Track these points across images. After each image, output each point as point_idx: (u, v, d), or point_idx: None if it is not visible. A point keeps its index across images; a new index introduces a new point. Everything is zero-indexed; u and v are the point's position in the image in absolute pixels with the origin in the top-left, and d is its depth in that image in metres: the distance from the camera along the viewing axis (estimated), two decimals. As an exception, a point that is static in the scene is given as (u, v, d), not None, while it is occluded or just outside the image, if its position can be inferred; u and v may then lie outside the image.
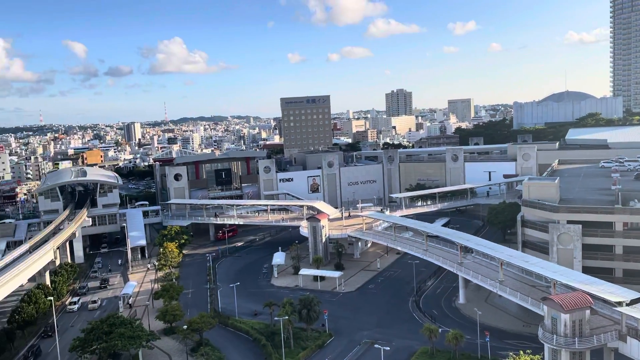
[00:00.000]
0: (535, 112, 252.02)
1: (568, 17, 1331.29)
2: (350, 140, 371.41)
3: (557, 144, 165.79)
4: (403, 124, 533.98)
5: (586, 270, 76.38)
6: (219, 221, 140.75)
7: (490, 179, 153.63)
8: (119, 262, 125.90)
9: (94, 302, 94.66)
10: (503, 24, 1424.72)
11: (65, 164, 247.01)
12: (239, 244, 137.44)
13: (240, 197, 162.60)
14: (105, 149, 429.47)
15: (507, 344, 69.09)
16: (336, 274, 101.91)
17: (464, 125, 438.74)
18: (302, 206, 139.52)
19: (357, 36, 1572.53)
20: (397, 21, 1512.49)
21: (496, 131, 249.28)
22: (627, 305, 57.28)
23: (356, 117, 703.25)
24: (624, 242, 79.58)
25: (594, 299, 59.56)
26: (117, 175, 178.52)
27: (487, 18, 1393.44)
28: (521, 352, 58.53)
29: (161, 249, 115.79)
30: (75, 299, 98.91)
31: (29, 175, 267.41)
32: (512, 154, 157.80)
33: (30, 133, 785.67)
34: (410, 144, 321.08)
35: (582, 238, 79.88)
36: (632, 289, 62.93)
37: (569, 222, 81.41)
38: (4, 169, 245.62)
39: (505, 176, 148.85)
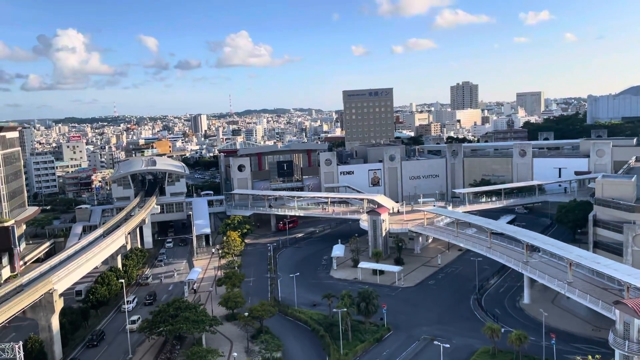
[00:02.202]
0: (612, 106, 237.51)
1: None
2: (412, 134, 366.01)
3: (635, 140, 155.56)
4: (468, 118, 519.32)
5: (665, 274, 71.52)
6: (280, 212, 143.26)
7: (560, 176, 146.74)
8: (185, 243, 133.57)
9: (133, 322, 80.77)
10: (579, 14, 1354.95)
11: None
12: (299, 235, 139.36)
13: (301, 189, 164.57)
14: (173, 139, 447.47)
15: (574, 348, 66.17)
16: (396, 268, 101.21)
17: (533, 119, 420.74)
18: (362, 199, 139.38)
19: (422, 28, 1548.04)
20: (465, 11, 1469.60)
21: (568, 126, 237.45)
22: None
23: (419, 110, 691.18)
24: None
25: (673, 305, 55.76)
26: (184, 165, 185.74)
27: (562, 7, 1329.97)
28: (589, 357, 55.84)
29: (225, 238, 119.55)
30: (131, 297, 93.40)
31: (104, 164, 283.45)
32: (584, 150, 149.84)
33: (105, 124, 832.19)
34: (476, 139, 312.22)
35: (661, 240, 74.99)
36: None
37: (646, 223, 76.63)
38: (81, 157, 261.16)
39: (577, 173, 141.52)
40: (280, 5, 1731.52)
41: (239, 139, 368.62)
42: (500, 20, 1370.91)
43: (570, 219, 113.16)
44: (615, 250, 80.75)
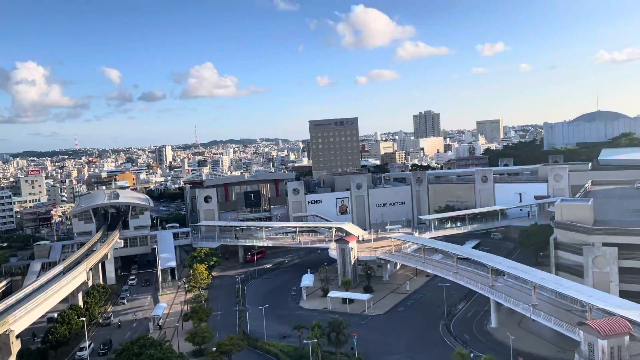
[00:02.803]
0: (567, 133, 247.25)
1: (598, 37, 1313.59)
2: (378, 162, 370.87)
3: (590, 164, 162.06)
4: (431, 146, 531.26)
5: (623, 294, 74.07)
6: (248, 243, 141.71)
7: (521, 201, 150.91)
8: (150, 281, 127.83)
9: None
10: (532, 45, 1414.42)
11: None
12: (268, 266, 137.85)
13: (269, 219, 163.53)
14: (137, 171, 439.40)
15: (542, 371, 66.93)
16: (365, 296, 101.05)
17: (493, 146, 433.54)
18: (330, 228, 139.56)
19: (385, 59, 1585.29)
20: (425, 43, 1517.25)
21: (526, 152, 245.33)
22: (669, 331, 55.12)
23: (384, 138, 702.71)
24: (664, 265, 76.93)
25: (633, 324, 57.52)
26: (148, 197, 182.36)
27: (516, 39, 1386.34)
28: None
29: (191, 271, 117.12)
30: (87, 343, 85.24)
31: (64, 198, 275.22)
32: (543, 175, 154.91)
33: (66, 157, 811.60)
34: (439, 166, 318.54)
35: (619, 261, 77.56)
36: (674, 314, 60.62)
37: (604, 244, 79.34)
38: (40, 192, 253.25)
39: (537, 197, 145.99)
40: (245, 37, 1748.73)
41: (205, 170, 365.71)
42: (459, 51, 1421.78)
43: (533, 243, 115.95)
44: (576, 272, 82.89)
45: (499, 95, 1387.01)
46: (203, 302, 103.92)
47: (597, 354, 54.48)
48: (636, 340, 58.58)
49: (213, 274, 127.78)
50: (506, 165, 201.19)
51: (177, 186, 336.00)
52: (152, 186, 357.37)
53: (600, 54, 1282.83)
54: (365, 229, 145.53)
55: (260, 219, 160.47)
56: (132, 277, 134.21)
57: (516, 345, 71.86)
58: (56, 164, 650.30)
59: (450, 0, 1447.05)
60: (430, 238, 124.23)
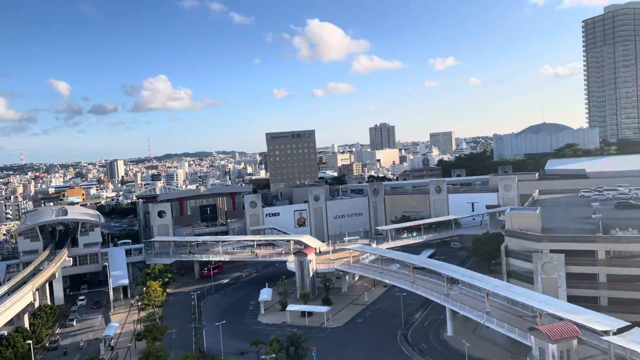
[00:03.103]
0: (515, 144, 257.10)
1: (543, 52, 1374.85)
2: (335, 174, 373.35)
3: (537, 174, 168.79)
4: (387, 157, 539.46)
5: (571, 299, 76.94)
6: (204, 258, 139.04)
7: (473, 210, 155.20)
8: (100, 303, 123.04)
9: None
10: (481, 60, 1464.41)
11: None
12: (225, 281, 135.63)
13: (226, 233, 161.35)
14: (87, 187, 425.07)
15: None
16: (324, 309, 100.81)
17: (446, 157, 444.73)
18: (289, 241, 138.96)
19: (341, 72, 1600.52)
20: (380, 57, 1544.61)
21: (477, 163, 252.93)
22: (614, 334, 57.56)
23: (341, 150, 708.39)
24: (607, 270, 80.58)
25: (580, 328, 59.82)
26: (99, 213, 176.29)
27: (466, 54, 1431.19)
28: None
29: (144, 288, 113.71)
30: None
31: (9, 215, 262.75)
32: (493, 185, 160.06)
33: (11, 172, 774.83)
34: (395, 177, 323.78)
35: (566, 267, 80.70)
36: (618, 317, 63.51)
37: (552, 251, 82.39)
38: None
39: (488, 207, 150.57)
40: (199, 50, 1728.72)
41: (159, 184, 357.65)
42: (412, 65, 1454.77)
43: (485, 251, 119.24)
44: (526, 279, 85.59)
45: (451, 108, 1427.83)
46: (157, 320, 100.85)
47: (548, 358, 56.22)
48: (584, 344, 60.86)
49: (168, 290, 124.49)
50: (459, 175, 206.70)
51: (129, 201, 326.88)
52: (103, 202, 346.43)
53: (545, 69, 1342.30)
54: (323, 241, 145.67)
55: (216, 234, 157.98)
56: (81, 297, 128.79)
57: (471, 352, 73.43)
58: (0, 180, 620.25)
59: (403, 15, 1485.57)
60: (388, 248, 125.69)
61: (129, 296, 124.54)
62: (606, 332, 58.14)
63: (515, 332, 69.26)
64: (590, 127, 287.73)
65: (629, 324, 59.98)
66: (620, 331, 58.14)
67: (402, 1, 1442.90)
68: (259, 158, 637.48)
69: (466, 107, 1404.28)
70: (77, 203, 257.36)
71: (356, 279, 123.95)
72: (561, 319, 62.22)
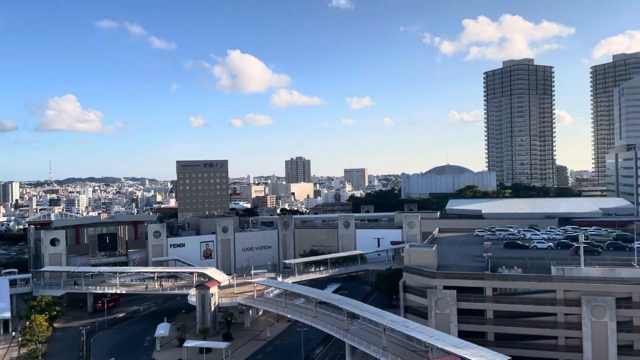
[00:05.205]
0: (421, 183, 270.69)
1: (451, 98, 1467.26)
2: (249, 206, 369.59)
3: (439, 213, 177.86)
4: (302, 191, 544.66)
5: (462, 334, 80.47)
6: (98, 290, 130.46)
7: (379, 245, 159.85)
8: None
9: None
10: (394, 102, 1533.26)
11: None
12: (121, 315, 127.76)
13: (125, 263, 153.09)
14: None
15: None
16: (223, 345, 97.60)
17: (358, 193, 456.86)
18: (192, 273, 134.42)
19: (261, 104, 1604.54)
20: (299, 92, 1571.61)
21: (386, 200, 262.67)
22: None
23: (257, 182, 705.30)
24: (494, 306, 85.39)
25: (466, 362, 62.59)
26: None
27: (381, 95, 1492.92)
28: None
29: (27, 322, 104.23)
30: None
31: None
32: (398, 221, 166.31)
33: None
34: (307, 211, 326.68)
35: (457, 303, 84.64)
36: (503, 351, 67.55)
37: (445, 287, 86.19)
38: None
39: (393, 243, 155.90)
40: (113, 71, 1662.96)
41: (57, 210, 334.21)
42: (330, 103, 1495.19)
43: (387, 286, 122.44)
44: (422, 314, 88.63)
45: (366, 146, 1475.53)
46: (39, 357, 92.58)
47: (435, 392, 58.14)
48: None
49: (55, 325, 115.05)
50: (367, 211, 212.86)
51: (21, 227, 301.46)
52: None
53: (452, 114, 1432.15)
54: (229, 274, 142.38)
55: (115, 264, 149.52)
56: None
57: (367, 387, 73.97)
58: None
59: (322, 54, 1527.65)
60: (294, 282, 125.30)
61: (10, 331, 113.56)
62: (489, 366, 61.33)
63: (408, 366, 71.02)
64: (489, 171, 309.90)
65: (509, 358, 63.74)
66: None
67: (324, 40, 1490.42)
68: (170, 186, 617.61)
69: (380, 145, 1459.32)
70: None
71: (260, 313, 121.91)
72: (449, 353, 64.86)
